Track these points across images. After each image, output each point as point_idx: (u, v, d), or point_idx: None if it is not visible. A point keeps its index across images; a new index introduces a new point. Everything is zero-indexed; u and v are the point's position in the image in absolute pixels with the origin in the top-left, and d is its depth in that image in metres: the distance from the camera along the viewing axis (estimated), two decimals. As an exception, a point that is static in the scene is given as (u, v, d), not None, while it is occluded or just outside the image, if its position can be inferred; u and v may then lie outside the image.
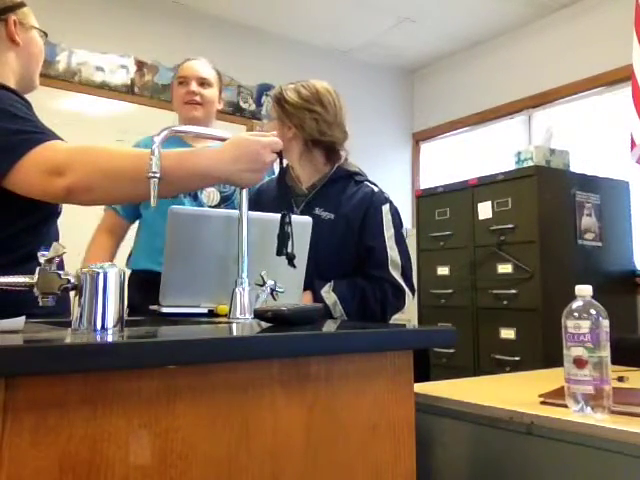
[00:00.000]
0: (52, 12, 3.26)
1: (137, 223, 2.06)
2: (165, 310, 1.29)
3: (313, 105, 1.67)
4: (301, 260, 1.41)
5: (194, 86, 2.00)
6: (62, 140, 1.17)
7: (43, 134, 1.14)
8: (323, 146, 1.70)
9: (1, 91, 1.20)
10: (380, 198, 1.69)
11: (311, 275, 1.55)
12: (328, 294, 1.57)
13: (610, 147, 3.56)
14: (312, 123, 1.67)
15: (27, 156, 1.08)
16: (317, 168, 1.72)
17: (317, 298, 1.55)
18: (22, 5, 1.32)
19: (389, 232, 1.65)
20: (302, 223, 1.40)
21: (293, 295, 1.35)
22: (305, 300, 1.54)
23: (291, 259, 1.22)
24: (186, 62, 2.08)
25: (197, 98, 1.99)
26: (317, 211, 1.65)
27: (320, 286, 1.58)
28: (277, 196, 1.73)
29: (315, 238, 1.55)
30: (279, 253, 1.22)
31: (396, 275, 1.62)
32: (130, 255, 2.04)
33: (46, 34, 1.37)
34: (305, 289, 1.52)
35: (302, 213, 1.63)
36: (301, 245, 1.39)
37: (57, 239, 1.33)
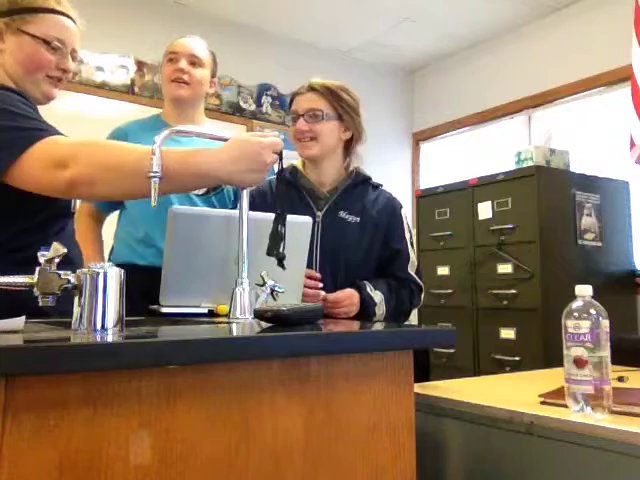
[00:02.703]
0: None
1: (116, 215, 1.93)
2: (165, 310, 1.29)
3: (359, 109, 1.70)
4: (301, 260, 1.41)
5: (183, 64, 1.84)
6: (64, 136, 1.17)
7: (43, 131, 1.13)
8: (349, 149, 1.72)
9: (1, 91, 1.20)
10: (398, 203, 1.74)
11: (341, 277, 1.60)
12: (374, 293, 1.58)
13: (610, 147, 3.56)
14: (361, 129, 1.70)
15: (28, 152, 1.08)
16: (340, 171, 1.73)
17: (364, 296, 1.57)
18: (19, 12, 1.27)
19: (408, 235, 1.71)
20: (302, 223, 1.40)
21: (293, 295, 1.35)
22: (349, 297, 1.54)
23: (281, 259, 1.21)
24: (178, 39, 1.91)
25: (185, 77, 1.83)
26: (342, 214, 1.66)
27: (363, 286, 1.59)
28: (289, 197, 1.61)
29: (342, 241, 1.60)
30: (269, 253, 1.21)
31: (413, 274, 1.68)
32: (112, 249, 1.92)
33: (49, 42, 1.28)
34: (334, 288, 1.55)
35: (325, 216, 1.65)
36: (301, 245, 1.39)
37: (73, 239, 1.33)
